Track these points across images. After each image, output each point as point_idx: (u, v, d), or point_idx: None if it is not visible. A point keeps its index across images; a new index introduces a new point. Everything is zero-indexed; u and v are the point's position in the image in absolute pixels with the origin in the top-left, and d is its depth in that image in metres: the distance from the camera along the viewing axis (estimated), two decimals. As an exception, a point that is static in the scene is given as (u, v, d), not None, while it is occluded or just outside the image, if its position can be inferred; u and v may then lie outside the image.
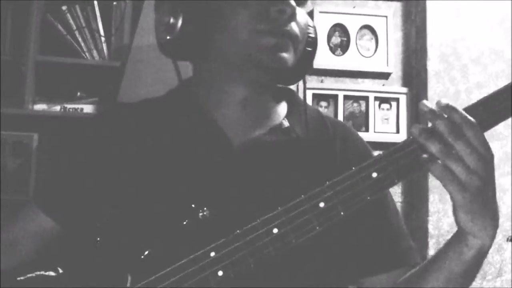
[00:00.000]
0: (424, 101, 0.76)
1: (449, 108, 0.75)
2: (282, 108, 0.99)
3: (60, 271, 0.83)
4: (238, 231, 0.78)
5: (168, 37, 0.89)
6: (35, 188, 0.94)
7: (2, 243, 0.94)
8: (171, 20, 0.88)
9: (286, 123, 0.96)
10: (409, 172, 0.77)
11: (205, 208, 0.82)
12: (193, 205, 0.82)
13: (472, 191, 0.75)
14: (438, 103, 0.76)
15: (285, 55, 0.88)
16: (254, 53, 0.87)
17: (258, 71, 0.89)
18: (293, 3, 0.87)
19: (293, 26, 0.89)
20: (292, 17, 0.88)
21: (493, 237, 0.81)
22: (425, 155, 0.76)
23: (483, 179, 0.76)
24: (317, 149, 0.94)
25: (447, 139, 0.74)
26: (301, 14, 0.91)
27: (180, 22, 0.88)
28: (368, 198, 0.77)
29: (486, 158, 0.75)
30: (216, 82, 0.94)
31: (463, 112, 0.75)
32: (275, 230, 0.77)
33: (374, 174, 0.77)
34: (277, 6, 0.86)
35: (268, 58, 0.87)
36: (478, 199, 0.77)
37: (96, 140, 0.97)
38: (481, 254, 0.82)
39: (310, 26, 0.95)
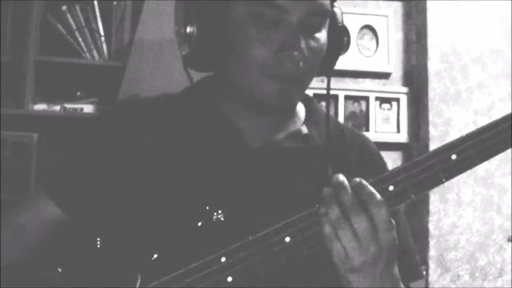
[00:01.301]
0: (338, 175, 0.77)
1: (358, 185, 0.75)
2: (301, 114, 0.98)
3: (60, 270, 0.82)
4: (250, 237, 0.77)
5: (187, 49, 0.88)
6: (47, 175, 0.92)
7: (9, 230, 0.93)
8: (188, 30, 0.87)
9: (305, 130, 0.95)
10: (426, 187, 0.77)
11: (219, 211, 0.81)
12: (207, 207, 0.82)
13: (354, 261, 0.75)
14: (352, 181, 0.76)
15: (290, 96, 0.88)
16: (258, 95, 0.87)
17: (260, 108, 0.90)
18: (303, 44, 0.85)
19: (302, 65, 0.86)
20: (302, 58, 0.86)
21: None
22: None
23: (369, 255, 0.74)
24: (334, 158, 0.93)
25: (347, 210, 0.74)
26: (315, 38, 0.88)
27: (195, 32, 0.86)
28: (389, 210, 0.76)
29: (381, 235, 0.74)
30: (231, 90, 0.93)
31: (371, 190, 0.75)
32: (288, 239, 0.77)
33: (391, 188, 0.76)
34: (286, 52, 0.84)
35: (273, 101, 0.87)
36: (360, 270, 0.75)
37: (113, 134, 0.95)
38: None
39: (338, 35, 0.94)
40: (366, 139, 1.03)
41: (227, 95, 0.93)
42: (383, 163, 1.02)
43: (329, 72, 0.95)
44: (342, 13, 0.95)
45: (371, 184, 0.76)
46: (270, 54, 0.85)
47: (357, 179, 0.76)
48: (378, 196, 0.74)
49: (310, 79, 0.91)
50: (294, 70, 0.85)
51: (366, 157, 0.98)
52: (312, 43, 0.87)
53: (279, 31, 0.85)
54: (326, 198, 0.76)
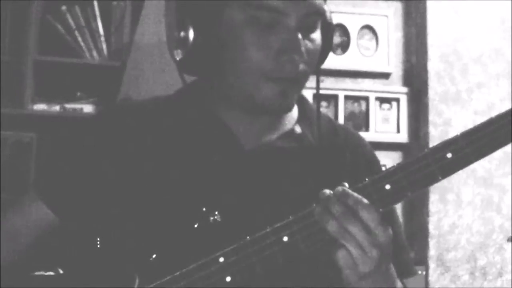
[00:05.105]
0: (324, 190, 0.76)
1: (342, 194, 0.75)
2: (294, 113, 0.97)
3: (60, 271, 0.82)
4: (248, 237, 0.77)
5: (181, 54, 0.86)
6: (38, 177, 0.92)
7: (1, 234, 0.92)
8: (182, 34, 0.85)
9: (298, 129, 0.95)
10: (423, 185, 0.77)
11: (216, 212, 0.81)
12: (204, 209, 0.82)
13: (364, 268, 0.75)
14: (335, 191, 0.76)
15: (289, 97, 0.88)
16: (257, 98, 0.86)
17: (259, 110, 0.89)
18: (303, 47, 0.84)
19: (301, 67, 0.86)
20: (302, 61, 0.85)
21: None
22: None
23: (374, 260, 0.75)
24: (328, 157, 0.94)
25: (342, 222, 0.74)
26: (312, 38, 0.88)
27: (191, 35, 0.85)
28: (380, 210, 0.77)
29: (380, 239, 0.75)
30: (227, 93, 0.92)
31: (356, 195, 0.75)
32: (285, 239, 0.77)
33: (388, 186, 0.76)
34: (287, 55, 0.83)
35: (271, 105, 0.87)
36: (369, 275, 0.76)
37: (106, 136, 0.95)
38: None
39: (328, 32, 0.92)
40: (359, 137, 1.03)
41: (220, 97, 0.93)
42: (377, 161, 1.02)
43: (318, 70, 0.94)
44: (331, 11, 0.94)
45: (368, 184, 0.77)
46: (270, 58, 0.84)
47: (340, 188, 0.76)
48: (365, 200, 0.75)
49: (307, 80, 0.91)
50: (294, 73, 0.85)
51: (360, 155, 0.99)
52: (309, 44, 0.87)
53: (278, 34, 0.84)
54: (322, 214, 0.76)
